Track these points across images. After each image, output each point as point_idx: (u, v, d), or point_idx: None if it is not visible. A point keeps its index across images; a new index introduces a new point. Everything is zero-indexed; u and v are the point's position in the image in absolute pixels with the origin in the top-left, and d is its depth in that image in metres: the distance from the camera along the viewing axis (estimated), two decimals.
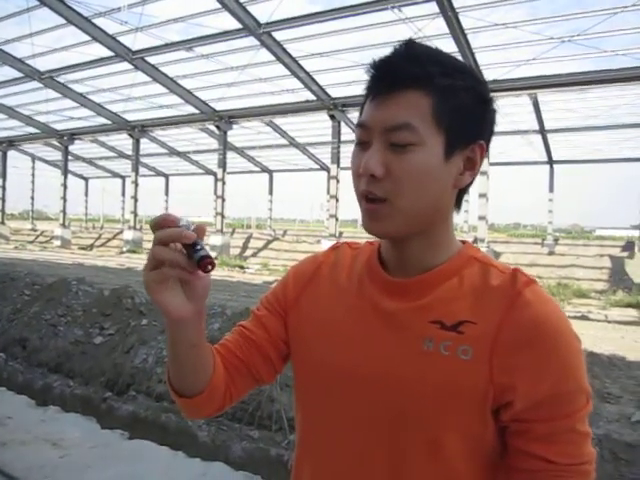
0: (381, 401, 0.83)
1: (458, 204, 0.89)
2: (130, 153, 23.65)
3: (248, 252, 22.51)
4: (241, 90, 18.07)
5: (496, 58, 14.76)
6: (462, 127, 0.82)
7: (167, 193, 34.88)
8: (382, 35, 14.79)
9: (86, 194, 38.87)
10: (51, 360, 5.98)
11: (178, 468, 3.97)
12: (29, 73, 18.15)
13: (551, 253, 19.57)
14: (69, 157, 26.46)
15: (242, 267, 17.54)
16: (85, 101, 20.05)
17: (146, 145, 25.36)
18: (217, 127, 20.14)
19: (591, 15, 12.21)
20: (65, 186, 25.70)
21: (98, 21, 14.92)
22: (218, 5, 13.19)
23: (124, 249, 22.77)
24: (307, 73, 15.88)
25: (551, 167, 23.96)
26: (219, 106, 19.26)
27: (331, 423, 0.89)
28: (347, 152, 19.64)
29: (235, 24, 13.93)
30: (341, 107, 17.47)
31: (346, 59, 14.91)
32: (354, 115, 18.25)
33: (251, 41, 14.65)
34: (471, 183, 0.87)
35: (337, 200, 18.07)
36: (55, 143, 26.17)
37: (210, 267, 0.74)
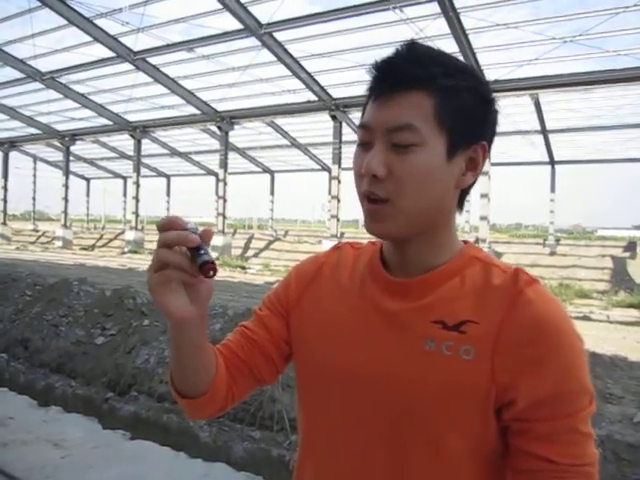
0: (382, 401, 0.83)
1: (460, 205, 0.89)
2: (131, 154, 23.66)
3: (250, 252, 22.53)
4: (242, 91, 18.09)
5: (498, 58, 14.77)
6: (464, 128, 0.82)
7: (168, 194, 34.90)
8: (383, 35, 14.81)
9: (88, 195, 38.93)
10: (53, 360, 5.99)
11: (180, 469, 3.97)
12: (31, 74, 18.17)
13: (553, 253, 19.56)
14: (70, 158, 26.48)
15: (243, 267, 17.54)
16: (86, 102, 20.07)
17: (147, 146, 25.38)
18: (218, 128, 20.14)
19: (593, 15, 12.20)
20: (67, 187, 25.73)
21: (99, 22, 14.94)
22: (219, 6, 13.20)
23: (125, 249, 22.78)
24: (308, 74, 15.89)
25: (553, 167, 23.93)
26: (220, 107, 19.27)
27: (333, 423, 0.89)
28: (348, 152, 19.66)
29: (236, 25, 13.94)
30: (342, 108, 17.47)
31: (347, 59, 14.92)
32: (355, 116, 18.26)
33: (252, 42, 14.66)
34: (473, 184, 0.88)
35: (338, 200, 18.07)
36: (57, 144, 26.19)
37: (212, 273, 0.74)
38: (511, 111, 16.38)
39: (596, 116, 17.95)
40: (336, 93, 17.20)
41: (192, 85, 18.05)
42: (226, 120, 19.65)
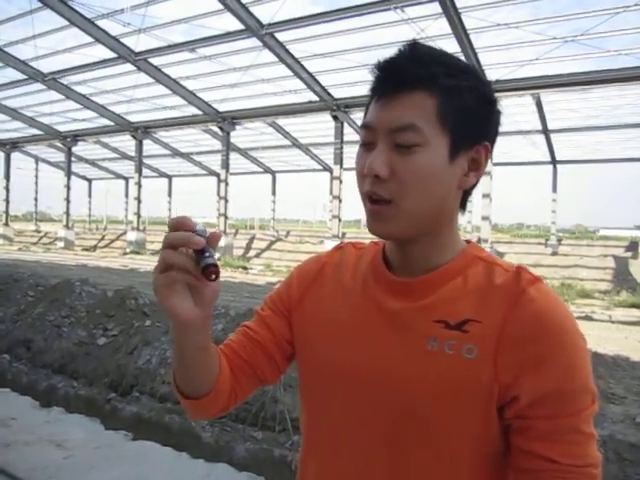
0: (384, 401, 0.83)
1: (463, 205, 0.90)
2: (133, 154, 23.66)
3: (251, 253, 22.54)
4: (244, 91, 18.10)
5: (499, 58, 14.77)
6: (467, 128, 0.82)
7: (170, 194, 34.95)
8: (385, 35, 14.84)
9: (89, 195, 39.02)
10: (55, 361, 6.00)
11: (182, 469, 3.97)
12: (32, 75, 18.20)
13: (554, 253, 19.55)
14: (72, 158, 26.49)
15: (245, 268, 17.54)
16: (88, 102, 20.09)
17: (149, 146, 25.40)
18: (220, 128, 20.15)
19: (593, 15, 12.19)
20: (68, 187, 25.74)
21: (101, 23, 14.96)
22: (221, 6, 13.20)
23: (127, 250, 22.79)
24: (310, 74, 15.88)
25: (554, 167, 23.90)
26: (222, 107, 19.28)
27: (335, 423, 0.89)
28: (350, 153, 19.66)
29: (238, 25, 13.94)
30: (344, 108, 17.47)
31: (349, 60, 14.92)
32: (357, 116, 18.26)
33: (254, 42, 14.67)
34: (476, 184, 0.88)
35: (340, 201, 18.07)
36: (58, 144, 26.21)
37: (214, 276, 0.73)
38: (512, 111, 16.37)
39: (594, 116, 17.94)
40: (337, 93, 17.21)
41: (193, 86, 18.07)
42: (227, 120, 19.66)
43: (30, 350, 6.34)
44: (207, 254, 0.73)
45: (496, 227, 49.24)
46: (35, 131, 24.98)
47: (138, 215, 23.25)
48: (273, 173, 30.81)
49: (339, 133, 17.88)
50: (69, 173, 25.90)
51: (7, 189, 28.20)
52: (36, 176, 34.17)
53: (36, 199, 36.21)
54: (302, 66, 15.51)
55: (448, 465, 0.80)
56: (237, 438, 4.23)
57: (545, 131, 19.70)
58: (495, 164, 17.89)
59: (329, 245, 16.83)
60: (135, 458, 4.08)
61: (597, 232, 54.16)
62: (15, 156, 29.43)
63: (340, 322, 0.91)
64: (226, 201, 20.55)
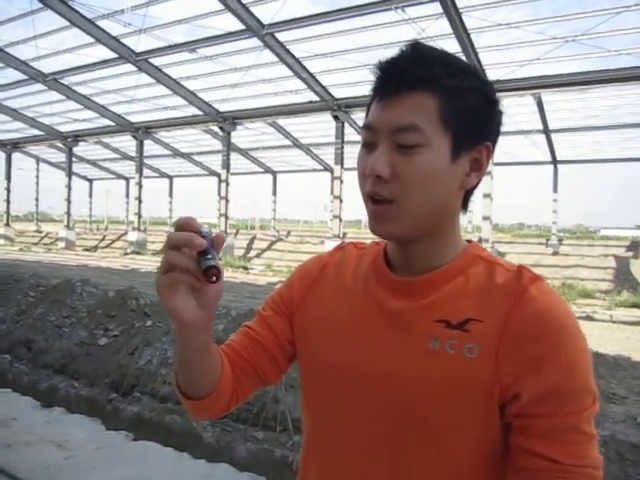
0: (384, 401, 0.83)
1: (464, 205, 0.90)
2: (134, 155, 23.69)
3: (252, 253, 22.55)
4: (245, 91, 18.11)
5: (499, 58, 14.77)
6: (469, 128, 0.82)
7: (171, 194, 34.98)
8: (385, 35, 14.85)
9: (90, 196, 39.07)
10: (56, 361, 6.00)
11: (183, 469, 3.97)
12: (33, 75, 18.21)
13: (555, 253, 19.54)
14: (73, 159, 26.51)
15: (246, 268, 17.55)
16: (89, 103, 20.11)
17: (150, 147, 25.43)
18: (221, 128, 20.15)
19: (593, 15, 12.19)
20: (69, 188, 25.76)
21: (101, 23, 14.97)
22: (221, 6, 13.21)
23: (128, 250, 22.80)
24: (310, 74, 15.89)
25: (555, 167, 23.89)
26: (223, 107, 19.29)
27: (336, 423, 0.89)
28: (351, 153, 19.66)
29: (238, 25, 13.95)
30: (345, 108, 17.47)
31: (349, 60, 14.93)
32: (358, 116, 18.26)
33: (254, 42, 14.68)
34: (477, 184, 0.88)
35: (341, 201, 18.07)
36: (59, 145, 26.23)
37: (214, 278, 0.73)
38: (513, 111, 16.38)
39: (596, 116, 17.94)
40: (338, 93, 17.21)
41: (194, 86, 18.08)
42: (228, 121, 19.67)
43: (31, 350, 6.35)
44: (209, 256, 0.73)
45: (497, 227, 49.25)
46: (36, 131, 25.01)
47: (139, 215, 23.27)
48: (274, 173, 30.82)
49: (340, 133, 17.88)
50: (70, 173, 25.92)
51: (8, 189, 28.22)
52: (37, 176, 34.27)
53: (37, 199, 36.27)
54: (303, 66, 15.52)
55: (448, 465, 0.80)
56: (238, 438, 4.22)
57: (546, 131, 19.70)
58: (496, 164, 17.90)
59: (330, 245, 16.82)
60: (136, 458, 4.08)
61: (598, 232, 54.15)
62: (16, 156, 29.53)
63: (341, 322, 0.91)
64: (227, 201, 20.56)
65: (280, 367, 1.00)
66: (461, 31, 12.39)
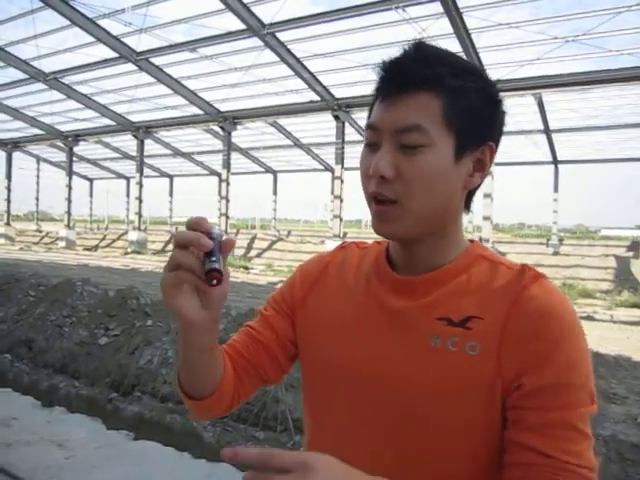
0: (385, 400, 0.83)
1: (467, 205, 0.90)
2: (134, 154, 23.67)
3: (252, 253, 22.53)
4: (245, 91, 18.09)
5: (500, 58, 14.74)
6: (472, 129, 0.82)
7: (171, 194, 34.98)
8: (386, 35, 14.85)
9: (91, 195, 39.04)
10: (56, 361, 6.00)
11: (183, 469, 3.98)
12: (34, 74, 18.20)
13: (556, 253, 19.53)
14: (74, 158, 26.48)
15: (246, 268, 17.55)
16: (90, 102, 20.10)
17: (150, 146, 25.41)
18: (221, 128, 20.14)
19: (594, 15, 12.17)
20: (70, 187, 25.74)
21: (102, 22, 14.95)
22: (222, 6, 13.20)
23: (129, 250, 22.79)
24: (311, 73, 15.88)
25: (556, 167, 23.86)
26: (223, 107, 19.28)
27: (338, 422, 0.89)
28: (351, 153, 19.65)
29: (239, 25, 13.94)
30: (345, 107, 17.45)
31: (350, 59, 14.91)
32: (358, 115, 18.25)
33: (255, 42, 14.66)
34: (480, 184, 0.88)
35: (341, 200, 18.06)
36: (60, 144, 26.22)
37: (215, 281, 0.72)
38: (514, 111, 16.36)
39: (596, 115, 17.93)
40: (339, 93, 17.20)
41: (195, 85, 18.07)
42: (229, 120, 19.66)
43: (31, 350, 6.35)
44: (213, 258, 0.72)
45: (497, 227, 49.25)
46: (36, 131, 25.00)
47: (139, 215, 23.27)
48: (274, 173, 30.81)
49: (340, 133, 17.87)
50: (70, 173, 25.90)
51: (9, 189, 28.21)
52: (37, 176, 34.26)
53: (37, 199, 36.26)
54: (303, 66, 15.51)
55: (449, 464, 0.80)
56: (239, 438, 4.23)
57: (547, 131, 19.68)
58: (496, 164, 17.84)
59: (330, 245, 16.82)
60: (136, 458, 4.09)
61: (598, 232, 54.16)
62: (16, 156, 29.50)
63: (343, 322, 0.91)
64: (227, 201, 20.55)
65: (282, 367, 1.00)
66: (462, 31, 12.37)
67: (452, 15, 11.86)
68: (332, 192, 19.07)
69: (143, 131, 22.20)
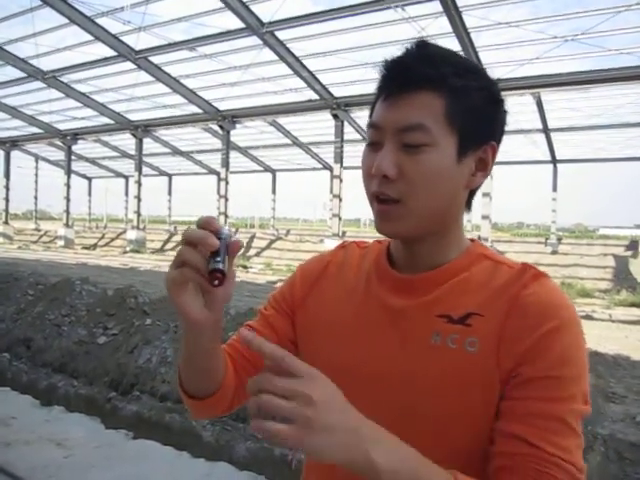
0: (385, 400, 0.83)
1: (468, 204, 0.90)
2: (133, 153, 23.66)
3: (251, 252, 22.52)
4: (244, 90, 18.11)
5: (499, 57, 14.76)
6: (475, 128, 0.82)
7: (170, 193, 34.97)
8: (385, 34, 14.83)
9: (89, 194, 39.02)
10: (55, 360, 6.00)
11: (182, 468, 3.98)
12: (32, 73, 18.18)
13: (554, 252, 19.55)
14: (72, 157, 26.49)
15: (245, 267, 17.55)
16: (88, 101, 20.09)
17: (149, 145, 25.40)
18: (220, 127, 20.14)
19: (594, 14, 12.18)
20: (68, 186, 25.74)
21: (101, 21, 14.95)
22: (221, 4, 13.19)
23: (127, 249, 22.79)
24: (310, 72, 15.88)
25: (555, 166, 23.88)
26: (222, 106, 19.28)
27: None
28: (350, 151, 19.66)
29: (238, 23, 13.94)
30: (344, 106, 17.46)
31: (349, 58, 14.91)
32: (357, 114, 18.25)
33: (254, 40, 14.65)
34: (482, 183, 0.88)
35: (340, 199, 18.06)
36: (58, 143, 26.22)
37: (217, 282, 0.72)
38: (513, 110, 16.35)
39: (596, 115, 17.94)
40: (338, 92, 17.20)
41: (194, 84, 18.07)
42: (228, 119, 19.65)
43: (30, 349, 6.35)
44: (218, 258, 0.72)
45: (496, 226, 49.30)
46: (35, 129, 24.99)
47: (138, 214, 23.26)
48: (273, 172, 30.81)
49: (339, 132, 17.88)
50: (69, 171, 25.90)
51: (7, 187, 28.21)
52: (36, 174, 34.25)
53: (36, 197, 36.26)
54: (302, 64, 15.51)
55: (449, 460, 0.79)
56: (238, 437, 4.23)
57: (545, 130, 19.69)
58: (495, 163, 17.46)
59: (329, 244, 16.82)
60: (135, 457, 4.09)
61: (597, 231, 54.28)
62: (15, 154, 29.50)
63: (343, 321, 0.91)
64: (226, 200, 20.55)
65: None
66: (461, 30, 12.38)
67: (451, 14, 11.86)
68: (331, 191, 19.06)
69: (142, 130, 22.19)
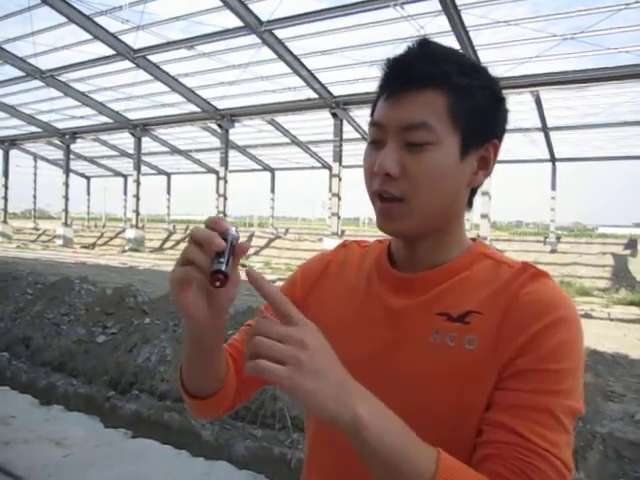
0: (385, 399, 0.82)
1: (469, 203, 0.90)
2: (132, 152, 23.66)
3: (250, 250, 22.52)
4: (243, 88, 18.09)
5: (498, 56, 14.80)
6: (478, 126, 0.82)
7: (169, 192, 34.93)
8: (384, 33, 14.80)
9: (88, 193, 38.93)
10: (54, 359, 6.00)
11: (181, 467, 3.98)
12: (31, 72, 18.16)
13: (553, 251, 19.57)
14: (71, 156, 26.48)
15: (244, 265, 17.23)
16: (87, 100, 20.07)
17: (148, 144, 25.38)
18: (219, 125, 20.14)
19: (593, 13, 12.19)
20: (67, 185, 25.73)
21: (99, 19, 14.93)
22: (219, 3, 13.18)
23: (126, 248, 22.78)
24: (309, 71, 15.87)
25: (553, 165, 23.90)
26: (221, 104, 19.26)
27: None
28: (349, 150, 19.64)
29: (236, 22, 13.93)
30: (343, 105, 17.46)
31: (348, 57, 14.91)
32: (356, 113, 18.25)
33: (253, 39, 14.65)
34: (484, 182, 0.88)
35: (339, 198, 18.07)
36: (57, 142, 26.20)
37: (218, 283, 0.70)
38: (512, 108, 16.12)
39: (594, 113, 17.95)
40: (337, 91, 17.20)
41: (192, 83, 18.05)
42: (226, 118, 19.64)
43: (29, 348, 6.34)
44: (222, 259, 0.70)
45: (495, 225, 49.29)
46: (33, 128, 24.97)
47: (137, 213, 23.25)
48: (272, 170, 30.79)
49: (338, 130, 17.87)
50: (68, 170, 25.88)
51: (6, 187, 28.19)
52: (35, 174, 34.19)
53: (35, 197, 36.20)
54: (301, 63, 15.50)
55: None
56: (237, 436, 4.23)
57: (544, 129, 19.70)
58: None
59: (328, 243, 16.83)
60: (134, 456, 4.09)
61: (596, 230, 54.32)
62: (13, 153, 29.48)
63: (344, 320, 0.91)
64: (225, 199, 20.56)
65: None
66: (460, 28, 12.38)
67: (450, 12, 11.86)
68: (330, 190, 19.05)
69: (140, 129, 22.17)
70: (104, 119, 22.13)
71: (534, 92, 15.23)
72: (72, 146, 25.85)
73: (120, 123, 22.04)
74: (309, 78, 16.13)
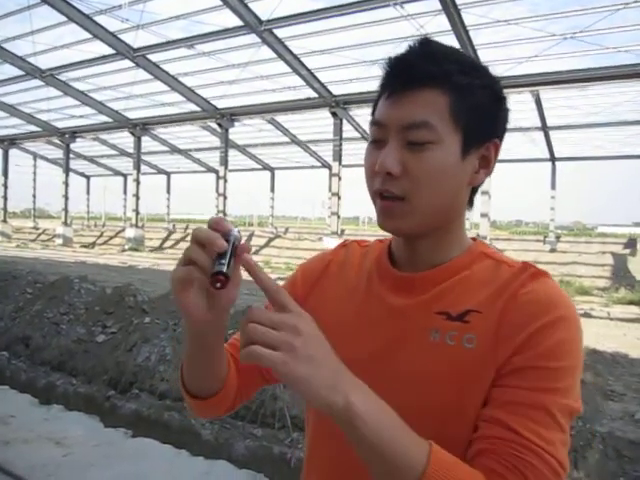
0: (384, 398, 0.82)
1: (470, 202, 0.90)
2: (132, 151, 23.66)
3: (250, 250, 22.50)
4: (242, 88, 18.08)
5: (498, 55, 14.82)
6: (479, 125, 0.82)
7: (169, 191, 34.93)
8: (384, 32, 14.73)
9: (88, 192, 38.91)
10: (54, 358, 5.99)
11: (181, 466, 3.98)
12: (30, 71, 18.15)
13: (553, 250, 19.57)
14: (71, 155, 26.47)
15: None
16: (86, 99, 20.06)
17: (147, 143, 25.37)
18: (219, 125, 20.13)
19: (593, 12, 12.20)
20: (67, 184, 25.72)
21: (99, 19, 14.92)
22: (219, 2, 13.18)
23: (126, 247, 22.78)
24: (309, 70, 15.86)
25: (553, 164, 23.90)
26: (221, 104, 19.26)
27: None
28: (349, 149, 19.64)
29: (236, 21, 13.93)
30: (343, 104, 17.45)
31: (348, 56, 14.90)
32: (356, 112, 18.25)
33: (252, 38, 14.64)
34: (484, 181, 0.88)
35: (339, 198, 18.07)
36: (56, 141, 26.19)
37: (219, 285, 0.70)
38: (512, 108, 16.27)
39: (594, 113, 17.95)
40: (336, 90, 17.19)
41: (192, 82, 18.04)
42: (226, 117, 19.64)
43: (29, 347, 6.34)
44: (223, 261, 0.70)
45: (494, 224, 49.29)
46: (33, 128, 24.96)
47: (136, 212, 23.24)
48: (272, 170, 30.79)
49: (338, 130, 17.87)
50: (67, 170, 25.87)
51: (5, 186, 28.18)
52: (34, 173, 34.17)
53: (34, 196, 36.17)
54: (301, 62, 15.49)
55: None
56: (237, 435, 4.23)
57: (544, 128, 19.70)
58: None
59: (328, 242, 16.84)
60: (134, 456, 4.09)
61: (595, 229, 54.34)
62: (13, 153, 29.47)
63: (345, 320, 0.91)
64: (225, 198, 20.56)
65: None
66: (460, 28, 12.38)
67: (450, 12, 11.86)
68: (330, 189, 19.05)
69: (140, 128, 22.17)
70: (104, 118, 22.12)
71: (534, 91, 15.23)
72: (72, 145, 25.84)
73: (120, 122, 22.03)
74: (309, 77, 16.13)
